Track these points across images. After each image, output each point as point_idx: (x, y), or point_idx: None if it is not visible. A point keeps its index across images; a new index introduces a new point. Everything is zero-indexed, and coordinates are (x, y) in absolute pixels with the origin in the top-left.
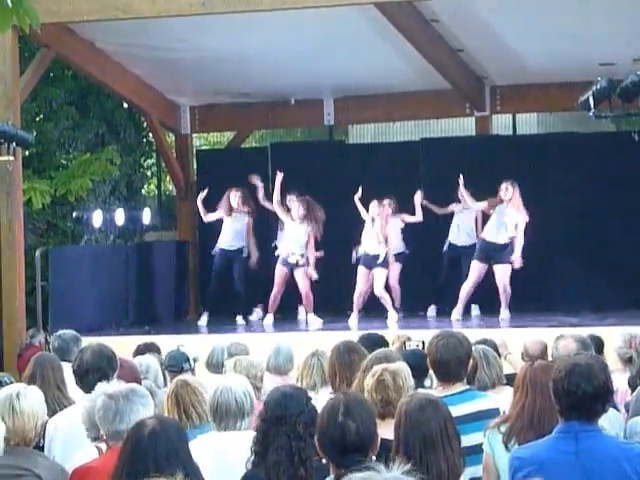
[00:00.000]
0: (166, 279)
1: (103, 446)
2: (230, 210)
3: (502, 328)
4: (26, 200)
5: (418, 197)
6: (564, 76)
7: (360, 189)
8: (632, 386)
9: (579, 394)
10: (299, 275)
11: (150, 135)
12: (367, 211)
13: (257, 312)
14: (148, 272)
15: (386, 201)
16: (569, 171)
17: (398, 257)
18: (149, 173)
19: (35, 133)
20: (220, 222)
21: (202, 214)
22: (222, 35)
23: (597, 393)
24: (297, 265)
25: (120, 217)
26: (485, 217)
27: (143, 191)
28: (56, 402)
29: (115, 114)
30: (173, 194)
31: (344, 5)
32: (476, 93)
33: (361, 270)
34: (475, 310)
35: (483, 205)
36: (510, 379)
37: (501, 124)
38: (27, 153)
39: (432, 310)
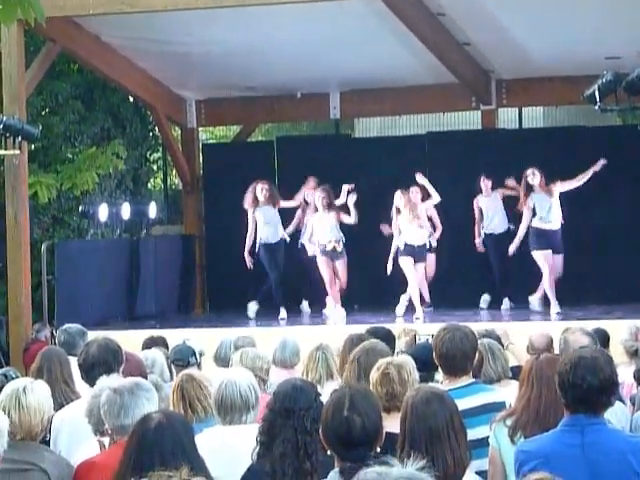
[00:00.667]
0: (172, 273)
1: (107, 440)
2: (256, 203)
3: (506, 322)
4: (32, 194)
5: (421, 178)
6: (570, 70)
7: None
8: (638, 379)
9: (585, 387)
10: (340, 265)
11: (156, 129)
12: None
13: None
14: (154, 266)
15: (413, 188)
16: (575, 165)
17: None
18: (155, 167)
19: (41, 127)
20: (228, 216)
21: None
22: (229, 29)
23: (603, 386)
24: (335, 251)
25: (126, 211)
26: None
27: (149, 185)
28: (63, 396)
29: (121, 108)
30: (179, 188)
31: None
32: (482, 87)
33: (407, 262)
34: (483, 303)
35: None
36: (513, 371)
37: (507, 118)
38: (33, 147)
39: (484, 302)
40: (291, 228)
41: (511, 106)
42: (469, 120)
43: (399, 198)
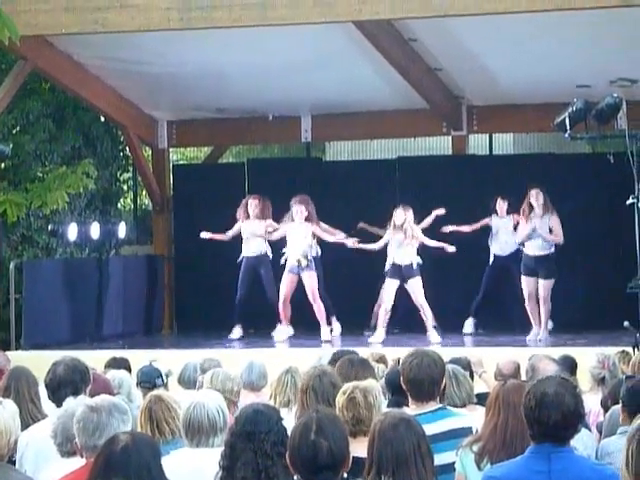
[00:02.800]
0: (141, 293)
1: (77, 460)
2: (247, 217)
3: (474, 347)
4: (1, 212)
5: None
6: (541, 97)
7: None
8: (604, 407)
9: (550, 423)
10: (305, 278)
11: (127, 149)
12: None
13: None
14: (123, 286)
15: (408, 207)
16: (545, 192)
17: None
18: (125, 187)
19: (11, 145)
20: (198, 238)
21: (221, 236)
22: (200, 50)
23: (568, 421)
24: (299, 265)
25: (95, 231)
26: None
27: (119, 205)
28: (30, 416)
29: (92, 127)
30: (149, 208)
31: (323, 23)
32: (453, 113)
33: (392, 283)
34: (468, 327)
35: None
36: (484, 398)
37: (478, 144)
38: (3, 165)
39: (469, 326)
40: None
41: (482, 132)
42: (440, 146)
43: (401, 215)
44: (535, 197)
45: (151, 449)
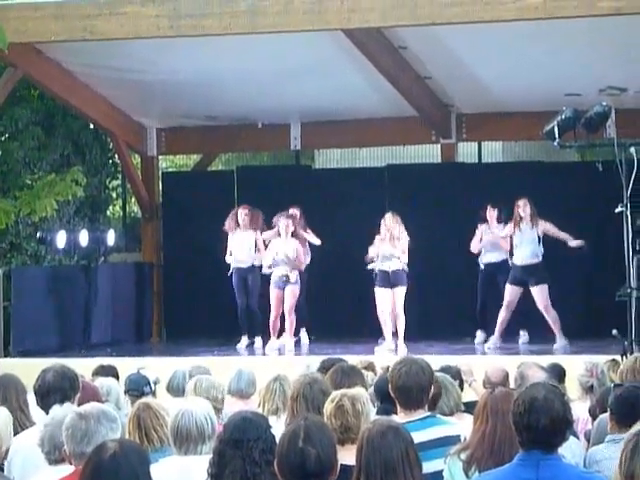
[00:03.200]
0: (130, 301)
1: (65, 468)
2: (237, 227)
3: (463, 355)
4: None
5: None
6: (530, 105)
7: None
8: (593, 415)
9: (539, 429)
10: (287, 292)
11: (116, 156)
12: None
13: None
14: (111, 294)
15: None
16: (533, 200)
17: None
18: (114, 194)
19: (0, 152)
20: (187, 245)
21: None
22: (190, 58)
23: (557, 427)
24: (288, 281)
25: (84, 238)
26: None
27: (108, 212)
28: (19, 423)
29: (81, 135)
30: (138, 216)
31: (313, 31)
32: (442, 121)
33: (383, 290)
34: (523, 337)
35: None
36: (472, 406)
37: (466, 152)
38: None
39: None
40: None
41: (471, 140)
42: (429, 153)
43: (390, 219)
44: (522, 207)
45: (140, 457)
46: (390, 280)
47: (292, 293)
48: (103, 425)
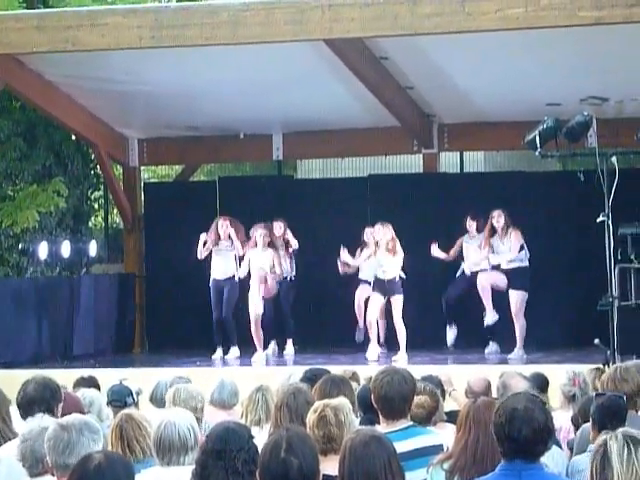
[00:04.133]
0: (112, 312)
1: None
2: (218, 239)
3: (446, 365)
4: None
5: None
6: (511, 115)
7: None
8: (575, 424)
9: (521, 439)
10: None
11: (98, 167)
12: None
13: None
14: (94, 305)
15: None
16: (515, 210)
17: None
18: (96, 205)
19: None
20: (169, 256)
21: (199, 253)
22: (171, 69)
23: (538, 436)
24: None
25: (66, 249)
26: None
27: (90, 223)
28: (1, 435)
29: (63, 146)
30: (120, 227)
31: (294, 41)
32: (424, 131)
33: (376, 297)
34: (492, 347)
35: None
36: (454, 416)
37: (448, 162)
38: None
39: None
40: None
41: (452, 150)
42: (411, 164)
43: (379, 230)
44: (496, 219)
45: (125, 469)
46: (386, 289)
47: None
48: (85, 436)
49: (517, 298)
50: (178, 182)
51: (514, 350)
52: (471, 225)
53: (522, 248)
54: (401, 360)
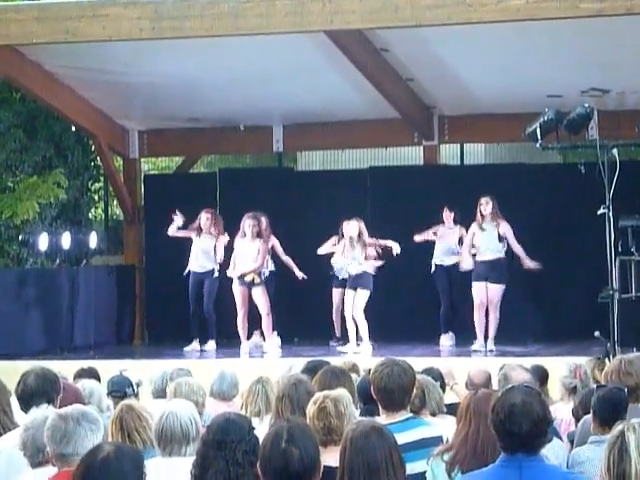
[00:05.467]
0: (112, 303)
1: (49, 470)
2: (199, 231)
3: (446, 357)
4: None
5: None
6: (512, 107)
7: None
8: (576, 416)
9: (522, 434)
10: (257, 294)
11: (98, 159)
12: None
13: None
14: (94, 296)
15: (360, 219)
16: (516, 202)
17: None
18: (96, 197)
19: None
20: (169, 248)
21: (170, 230)
22: (172, 60)
23: (538, 428)
24: (254, 284)
25: (66, 241)
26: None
27: (90, 215)
28: (1, 425)
29: (63, 137)
30: (120, 218)
31: (295, 33)
32: (424, 122)
33: (348, 292)
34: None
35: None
36: (455, 408)
37: (449, 154)
38: None
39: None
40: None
41: (453, 142)
42: (411, 156)
43: (354, 226)
44: (484, 205)
45: (134, 463)
46: (352, 282)
47: (262, 294)
48: (82, 426)
49: (495, 292)
50: (178, 174)
51: (476, 341)
52: (448, 217)
53: (501, 239)
54: (365, 352)
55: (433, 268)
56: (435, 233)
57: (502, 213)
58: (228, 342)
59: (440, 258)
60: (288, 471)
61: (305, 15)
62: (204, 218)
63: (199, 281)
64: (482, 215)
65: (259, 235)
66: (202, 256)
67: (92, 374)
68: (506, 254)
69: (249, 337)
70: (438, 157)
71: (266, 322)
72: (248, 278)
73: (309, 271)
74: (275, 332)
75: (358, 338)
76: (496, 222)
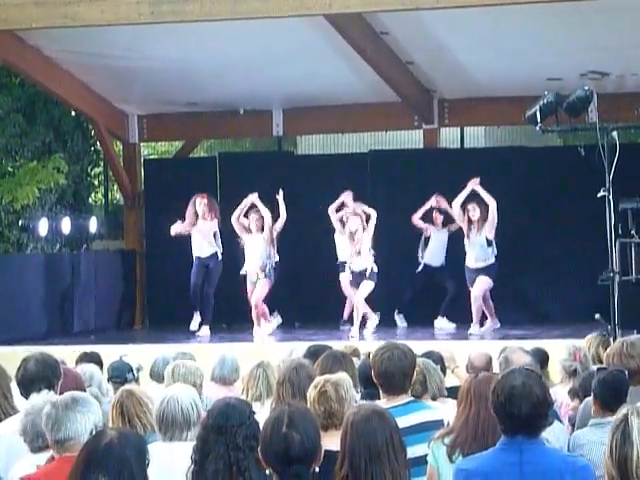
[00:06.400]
0: (112, 288)
1: (48, 455)
2: (196, 217)
3: (446, 340)
4: None
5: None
6: (512, 90)
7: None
8: (577, 398)
9: (522, 416)
10: (258, 286)
11: (98, 143)
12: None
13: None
14: (94, 281)
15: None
16: (515, 185)
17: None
18: (96, 182)
19: None
20: (169, 232)
21: (173, 230)
22: (171, 44)
23: (538, 412)
24: (257, 278)
25: (66, 226)
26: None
27: (90, 200)
28: (2, 410)
29: (62, 122)
30: (120, 203)
31: (294, 16)
32: (424, 106)
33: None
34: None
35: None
36: (455, 391)
37: (449, 137)
38: None
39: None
40: None
41: (453, 125)
42: (411, 139)
43: (355, 220)
44: (472, 212)
45: (136, 448)
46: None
47: (262, 287)
48: (73, 411)
49: (481, 282)
50: (178, 158)
51: (482, 327)
52: (437, 218)
53: (490, 244)
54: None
55: (420, 267)
56: (427, 230)
57: (501, 196)
58: (231, 327)
59: (429, 258)
60: (289, 455)
61: None
62: (200, 203)
63: (204, 264)
64: (470, 221)
65: (263, 229)
66: (203, 242)
67: (95, 359)
68: (495, 257)
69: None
70: (438, 140)
71: (255, 312)
72: (252, 278)
73: (308, 255)
74: (276, 312)
75: (363, 323)
76: (482, 228)
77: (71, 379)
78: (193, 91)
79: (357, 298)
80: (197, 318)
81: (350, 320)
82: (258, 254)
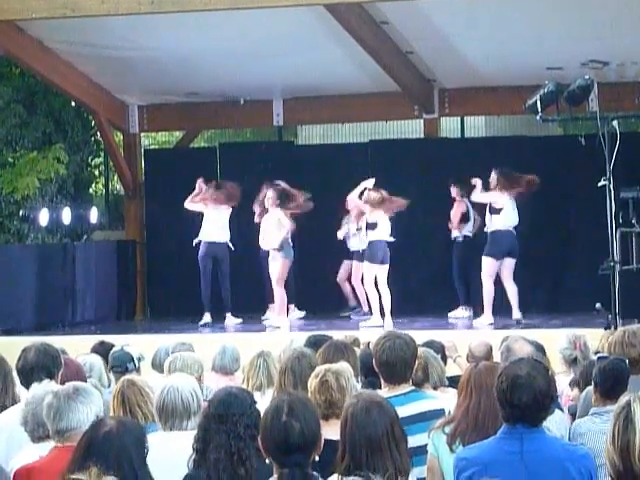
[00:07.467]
0: (113, 279)
1: (50, 445)
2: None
3: (447, 330)
4: None
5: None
6: (512, 80)
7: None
8: (578, 387)
9: (522, 406)
10: (271, 266)
11: (98, 134)
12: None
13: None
14: (95, 272)
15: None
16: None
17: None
18: (97, 172)
19: None
20: (170, 222)
21: (187, 202)
22: (171, 34)
23: (540, 403)
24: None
25: (67, 216)
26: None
27: (91, 190)
28: (2, 401)
29: (63, 112)
30: (121, 193)
31: (294, 6)
32: (425, 96)
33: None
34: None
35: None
36: (456, 381)
37: (449, 127)
38: None
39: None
40: None
41: (453, 115)
42: (411, 129)
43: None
44: (490, 179)
45: (135, 437)
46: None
47: (275, 266)
48: (74, 401)
49: (484, 264)
50: (178, 148)
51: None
52: (456, 192)
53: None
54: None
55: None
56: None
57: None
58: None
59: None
60: (289, 444)
61: None
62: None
63: (213, 253)
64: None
65: (279, 206)
66: (219, 226)
67: (107, 348)
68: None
69: (264, 312)
70: (439, 130)
71: (277, 295)
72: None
73: (309, 244)
74: (293, 305)
75: (380, 309)
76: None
77: (72, 369)
78: (193, 81)
79: (358, 283)
80: (207, 317)
81: (359, 305)
82: (273, 232)
